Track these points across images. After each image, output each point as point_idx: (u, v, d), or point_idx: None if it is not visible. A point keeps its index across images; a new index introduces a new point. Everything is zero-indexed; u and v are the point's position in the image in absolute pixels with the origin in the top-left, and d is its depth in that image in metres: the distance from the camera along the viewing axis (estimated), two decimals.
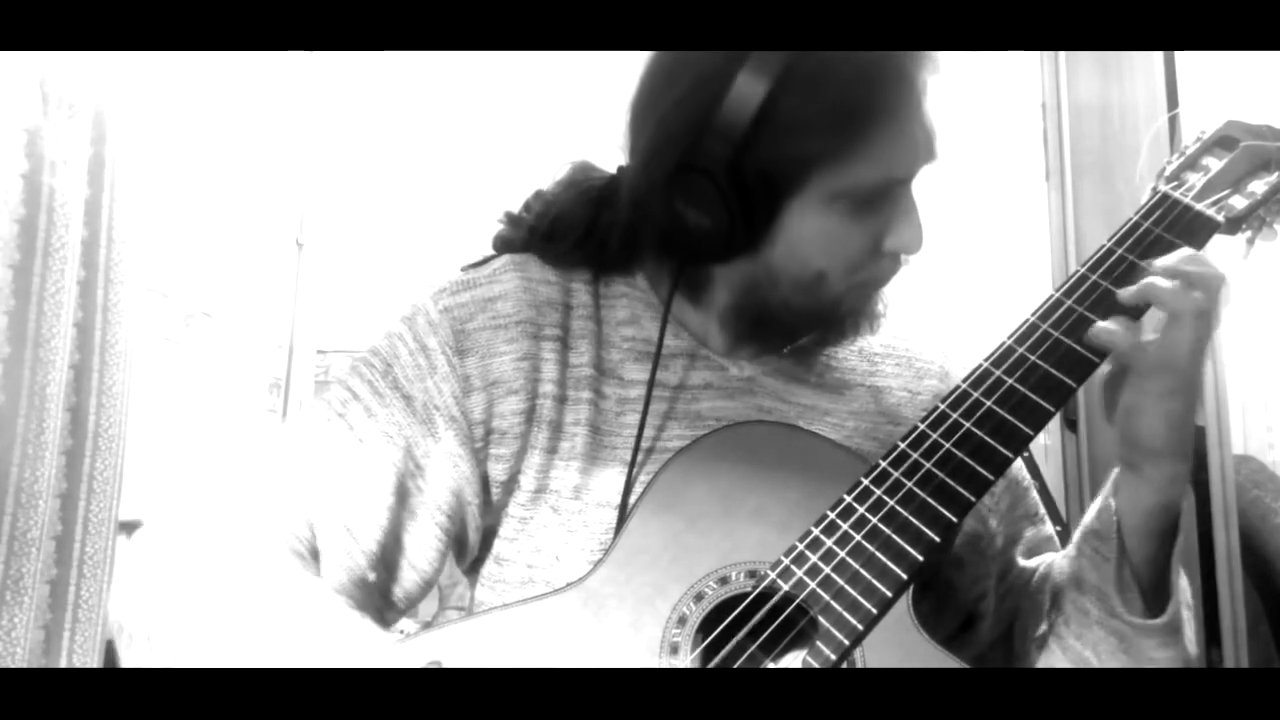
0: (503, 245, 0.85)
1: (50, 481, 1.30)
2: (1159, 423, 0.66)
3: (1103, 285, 0.70)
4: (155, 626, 0.64)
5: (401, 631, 0.72)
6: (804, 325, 0.80)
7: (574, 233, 0.81)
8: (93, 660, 1.35)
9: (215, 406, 2.01)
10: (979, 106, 1.89)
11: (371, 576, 0.73)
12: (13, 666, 1.24)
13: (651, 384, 0.76)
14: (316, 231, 2.35)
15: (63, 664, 1.31)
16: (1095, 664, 0.71)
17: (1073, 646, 0.73)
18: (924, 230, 0.74)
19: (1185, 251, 0.68)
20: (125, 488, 1.43)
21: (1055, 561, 0.81)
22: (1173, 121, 1.38)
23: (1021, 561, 0.86)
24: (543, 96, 2.33)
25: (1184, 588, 0.70)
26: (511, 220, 0.85)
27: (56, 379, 1.31)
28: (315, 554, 0.73)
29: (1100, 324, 0.67)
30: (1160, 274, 0.66)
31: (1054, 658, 0.74)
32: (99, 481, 1.38)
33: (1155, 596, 0.69)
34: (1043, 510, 0.89)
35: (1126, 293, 0.67)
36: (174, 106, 1.68)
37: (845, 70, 0.69)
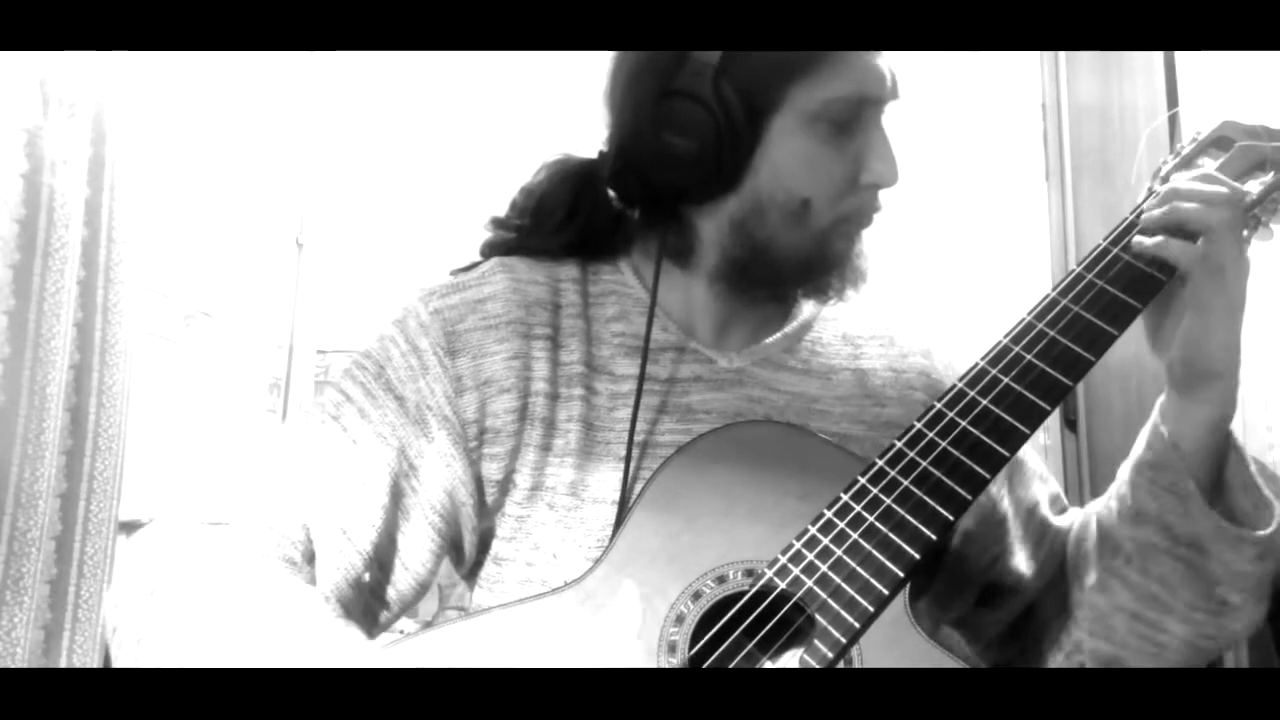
0: (489, 250, 0.87)
1: (50, 481, 1.30)
2: (1219, 343, 0.70)
3: (1099, 284, 0.71)
4: (146, 629, 0.64)
5: (401, 631, 0.72)
6: (792, 272, 0.80)
7: (559, 212, 0.84)
8: (93, 660, 1.35)
9: (215, 406, 2.01)
10: (979, 106, 1.89)
11: (367, 577, 0.73)
12: (13, 666, 1.25)
13: (642, 377, 0.76)
14: (316, 231, 2.35)
15: (63, 664, 1.32)
16: (1164, 596, 0.73)
17: (1138, 583, 0.74)
18: (898, 164, 0.77)
19: (1198, 171, 0.72)
20: (125, 488, 1.43)
21: (1089, 509, 0.82)
22: (1172, 120, 1.38)
23: (1055, 521, 0.86)
24: (542, 96, 2.33)
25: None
26: (497, 223, 0.87)
27: (56, 379, 1.31)
28: (310, 558, 0.73)
29: (1157, 240, 0.70)
30: (1177, 197, 0.70)
31: (1118, 597, 0.75)
32: (99, 481, 1.38)
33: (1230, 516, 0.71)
34: (1045, 469, 0.90)
35: (1152, 214, 0.71)
36: (174, 106, 1.68)
37: None
